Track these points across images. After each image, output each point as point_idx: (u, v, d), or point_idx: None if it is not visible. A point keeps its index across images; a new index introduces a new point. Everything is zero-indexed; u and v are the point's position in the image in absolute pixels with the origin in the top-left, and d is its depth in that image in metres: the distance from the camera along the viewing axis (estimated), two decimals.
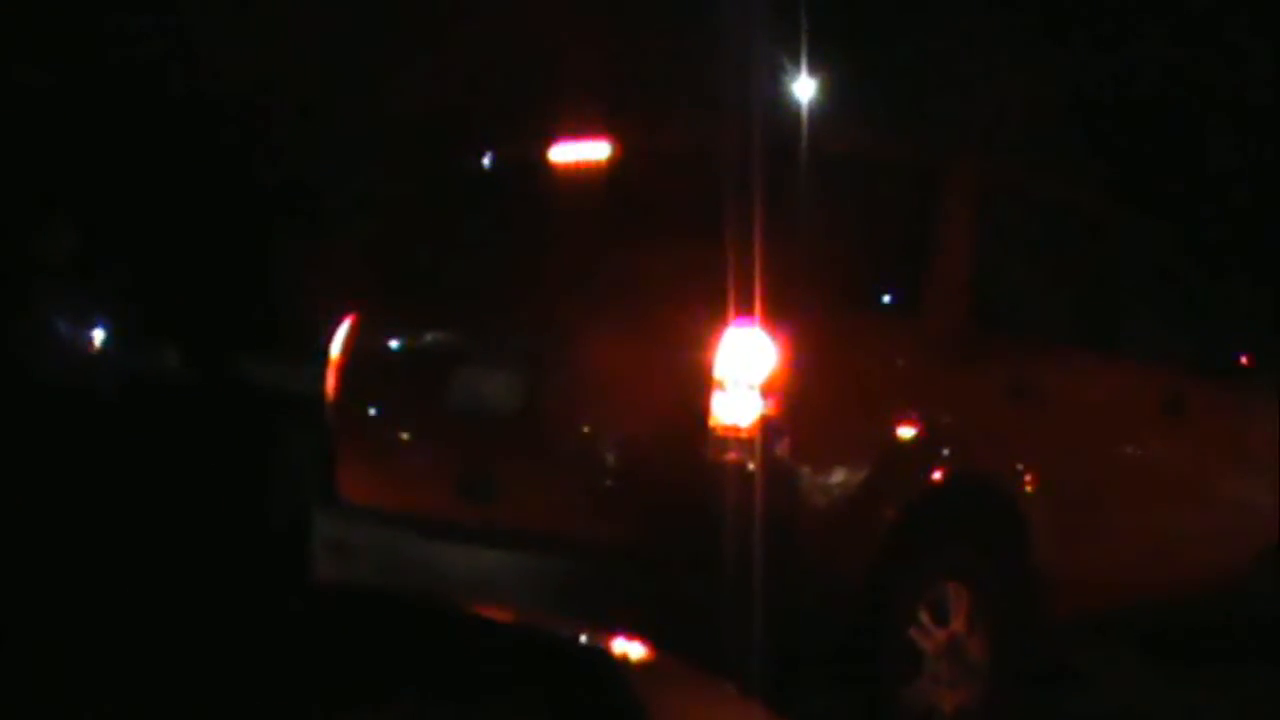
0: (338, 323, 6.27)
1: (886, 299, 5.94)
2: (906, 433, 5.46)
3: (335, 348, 6.23)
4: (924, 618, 5.44)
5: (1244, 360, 7.62)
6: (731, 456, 4.96)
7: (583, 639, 2.16)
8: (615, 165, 5.89)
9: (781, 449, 5.02)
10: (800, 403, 5.07)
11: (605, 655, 2.13)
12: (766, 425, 4.96)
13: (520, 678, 1.96)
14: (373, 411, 6.31)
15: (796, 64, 16.44)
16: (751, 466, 4.94)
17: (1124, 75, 18.12)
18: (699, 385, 5.01)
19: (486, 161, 6.46)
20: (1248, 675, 7.40)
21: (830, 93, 18.26)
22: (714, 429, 4.98)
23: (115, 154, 16.65)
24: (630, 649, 2.19)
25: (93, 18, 16.74)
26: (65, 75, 16.57)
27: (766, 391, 4.96)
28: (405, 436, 6.19)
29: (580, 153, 5.98)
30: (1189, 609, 7.42)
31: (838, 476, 5.26)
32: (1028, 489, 5.86)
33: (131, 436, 10.10)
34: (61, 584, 2.34)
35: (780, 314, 5.02)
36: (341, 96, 16.60)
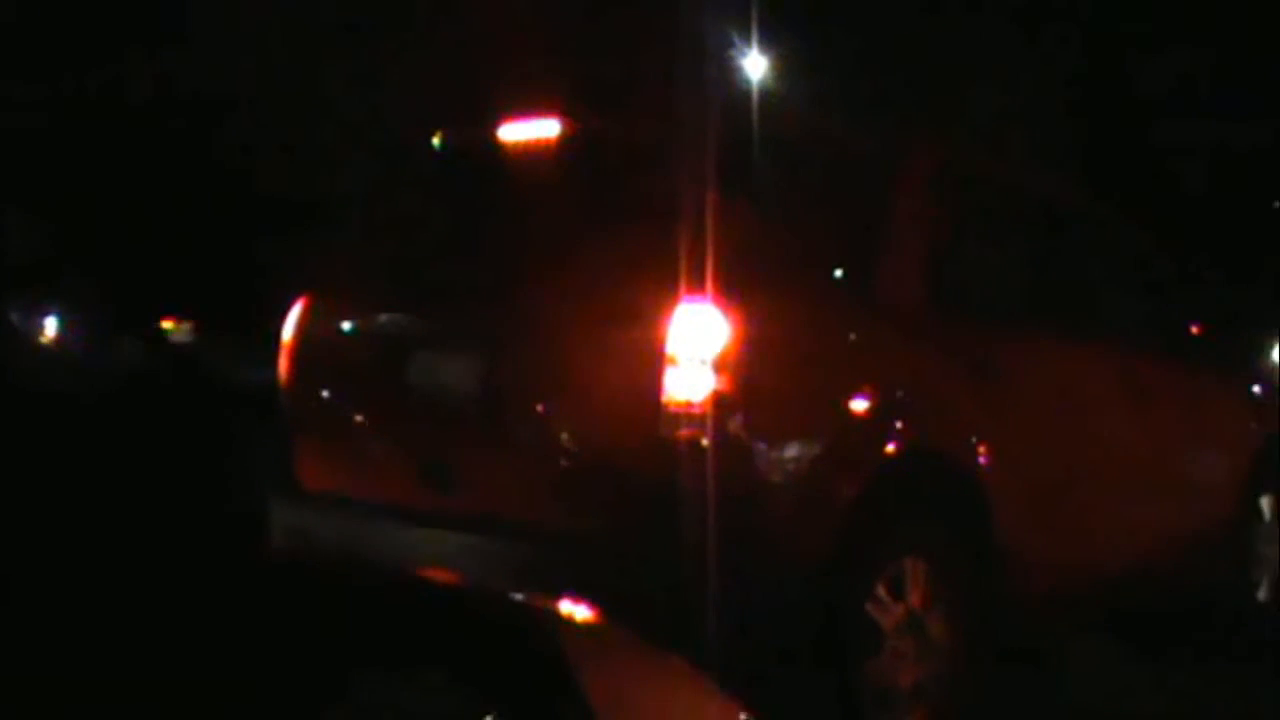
0: (290, 307, 6.24)
1: (842, 276, 5.93)
2: (862, 408, 5.45)
3: (288, 332, 6.19)
4: (882, 593, 5.44)
5: (1197, 335, 7.67)
6: (685, 433, 4.94)
7: (517, 599, 2.16)
8: (567, 145, 5.88)
9: (735, 425, 5.02)
10: (754, 379, 5.06)
11: (540, 617, 2.13)
12: (720, 401, 4.95)
13: (439, 634, 1.95)
14: (328, 397, 6.28)
15: (750, 43, 16.44)
16: (705, 443, 4.93)
17: (1077, 54, 18.24)
18: (652, 362, 5.00)
19: (438, 143, 6.44)
20: (1209, 652, 7.45)
21: (785, 72, 18.28)
22: (667, 406, 4.97)
23: (75, 148, 16.59)
24: (575, 613, 2.19)
25: (56, 15, 16.68)
26: (28, 73, 16.51)
27: (719, 368, 4.95)
28: (361, 421, 6.16)
29: (532, 133, 5.96)
30: (1150, 586, 7.46)
31: (793, 452, 5.25)
32: (986, 465, 5.87)
33: (88, 426, 10.06)
34: (25, 573, 2.33)
35: (733, 291, 5.01)
36: (300, 88, 16.57)
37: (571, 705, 1.84)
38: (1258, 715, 6.67)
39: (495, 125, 6.10)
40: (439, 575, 2.28)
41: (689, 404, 4.95)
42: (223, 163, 16.44)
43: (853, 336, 5.72)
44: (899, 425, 5.56)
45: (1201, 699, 6.84)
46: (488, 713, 1.88)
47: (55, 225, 15.27)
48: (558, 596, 2.21)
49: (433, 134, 6.47)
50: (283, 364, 6.20)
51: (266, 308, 7.03)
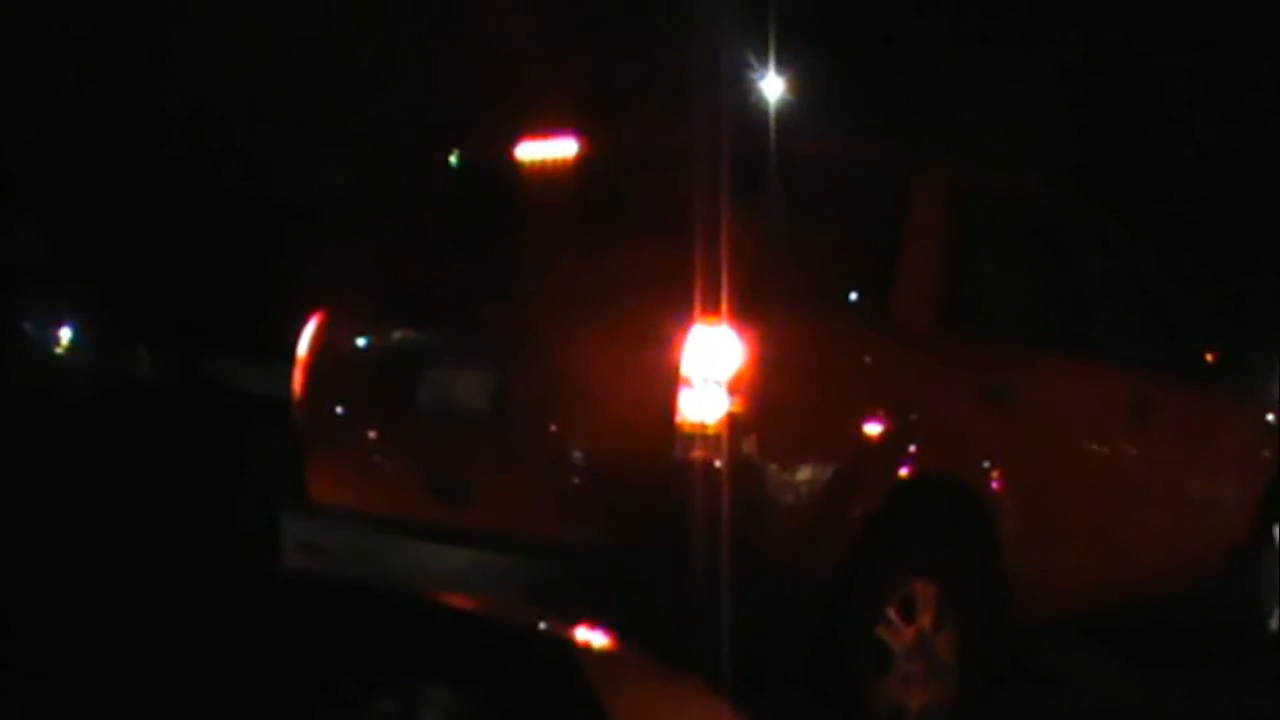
0: (305, 322, 6.25)
1: (855, 298, 5.94)
2: (874, 431, 5.46)
3: (302, 347, 6.20)
4: (893, 615, 5.44)
5: (1211, 361, 7.67)
6: (699, 454, 4.95)
7: (544, 627, 2.17)
8: (584, 164, 5.90)
9: (749, 447, 5.02)
10: (767, 401, 5.07)
11: (566, 643, 2.14)
12: (734, 423, 4.95)
13: (476, 662, 1.96)
14: (341, 411, 6.29)
15: (766, 63, 16.46)
16: (719, 464, 4.93)
17: (1098, 75, 18.25)
18: (667, 383, 5.00)
19: (455, 160, 6.45)
20: (1216, 673, 7.45)
21: (801, 92, 18.30)
22: (681, 426, 4.98)
23: (82, 154, 16.59)
24: (594, 640, 2.20)
25: (61, 21, 16.69)
26: (32, 76, 16.52)
27: (734, 389, 4.96)
28: (373, 436, 6.17)
29: (549, 151, 5.98)
30: (1158, 607, 7.46)
31: (805, 474, 5.25)
32: (996, 488, 5.87)
33: (102, 437, 10.07)
34: (34, 583, 2.34)
35: (748, 312, 5.02)
36: (312, 97, 16.58)
37: None
38: None
39: (512, 142, 6.12)
40: (464, 599, 2.28)
41: (703, 425, 4.95)
42: (230, 172, 16.45)
43: (866, 359, 5.73)
44: (911, 448, 5.56)
45: (1193, 700, 6.87)
46: None
47: (62, 232, 15.29)
48: (575, 622, 2.22)
49: (447, 147, 6.49)
50: (297, 378, 6.22)
51: (275, 319, 7.04)
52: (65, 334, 14.31)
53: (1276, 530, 8.11)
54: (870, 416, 5.46)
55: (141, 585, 2.27)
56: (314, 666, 2.01)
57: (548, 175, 5.97)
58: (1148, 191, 16.78)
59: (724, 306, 4.97)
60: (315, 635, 2.03)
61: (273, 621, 2.06)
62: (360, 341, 6.27)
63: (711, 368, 4.97)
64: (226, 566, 2.31)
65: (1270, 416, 8.51)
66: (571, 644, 2.16)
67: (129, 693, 2.01)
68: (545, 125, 6.11)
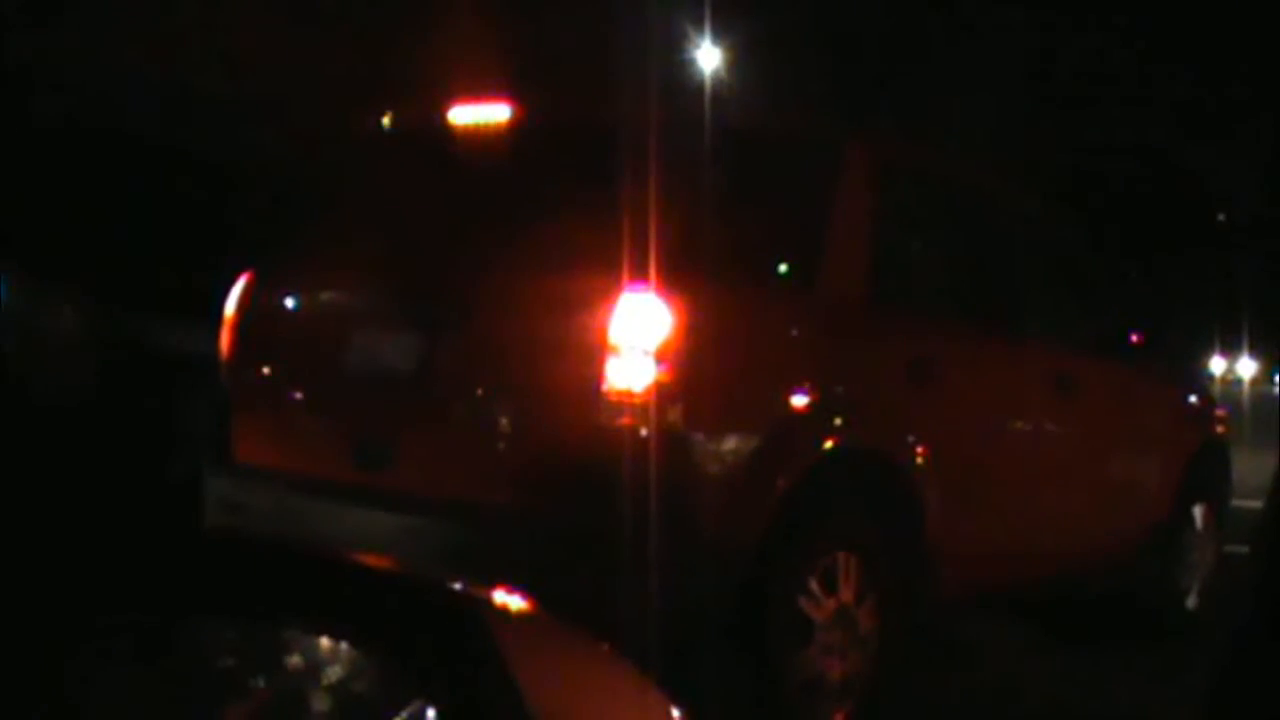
0: (233, 282, 6.22)
1: (784, 270, 5.96)
2: (800, 402, 5.48)
3: (230, 307, 6.18)
4: (814, 587, 5.46)
5: (1136, 342, 7.73)
6: (624, 421, 4.96)
7: (455, 588, 2.16)
8: (515, 130, 5.88)
9: (674, 415, 5.03)
10: (694, 369, 5.08)
11: (476, 605, 2.13)
12: (660, 391, 4.96)
13: (382, 621, 1.96)
14: (268, 372, 6.26)
15: (702, 33, 16.47)
16: (644, 432, 4.94)
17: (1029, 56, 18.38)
18: (593, 350, 5.01)
19: (386, 122, 6.42)
20: (1134, 649, 7.53)
21: (733, 64, 18.33)
22: (607, 394, 4.98)
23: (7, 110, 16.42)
24: (507, 602, 2.19)
25: None
26: None
27: (660, 357, 4.97)
28: (300, 398, 6.15)
29: (481, 116, 5.96)
30: (1079, 584, 7.53)
31: (730, 444, 5.27)
32: (921, 462, 5.90)
33: (24, 395, 9.99)
34: None
35: (676, 281, 5.03)
36: (246, 57, 16.48)
37: (503, 693, 1.85)
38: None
39: (444, 107, 6.09)
40: (372, 558, 2.27)
41: (629, 392, 4.96)
42: (161, 131, 16.33)
43: (794, 331, 5.75)
44: (836, 421, 5.59)
45: (1110, 676, 6.95)
46: (418, 697, 1.89)
47: None
48: (491, 583, 2.22)
49: (379, 110, 6.46)
50: (224, 337, 6.19)
51: (204, 278, 7.00)
52: None
53: (1196, 510, 8.20)
54: (796, 388, 5.48)
55: (50, 539, 2.25)
56: (218, 620, 2.00)
57: (479, 140, 5.95)
58: (1086, 175, 16.93)
59: (652, 275, 4.97)
60: (219, 589, 2.02)
61: (178, 575, 2.05)
62: (289, 303, 6.24)
63: (639, 336, 4.98)
64: (140, 522, 2.29)
65: (1193, 398, 8.61)
66: (482, 606, 2.15)
67: (29, 649, 1.99)
68: (477, 90, 6.09)
